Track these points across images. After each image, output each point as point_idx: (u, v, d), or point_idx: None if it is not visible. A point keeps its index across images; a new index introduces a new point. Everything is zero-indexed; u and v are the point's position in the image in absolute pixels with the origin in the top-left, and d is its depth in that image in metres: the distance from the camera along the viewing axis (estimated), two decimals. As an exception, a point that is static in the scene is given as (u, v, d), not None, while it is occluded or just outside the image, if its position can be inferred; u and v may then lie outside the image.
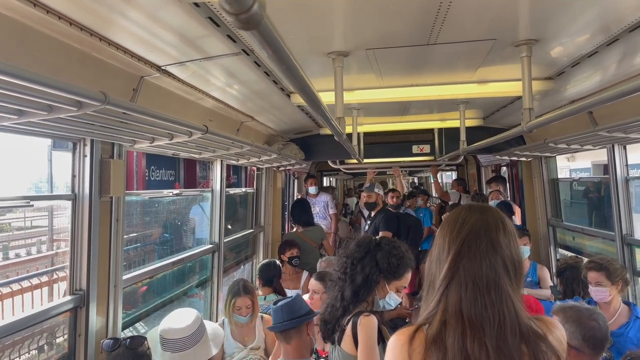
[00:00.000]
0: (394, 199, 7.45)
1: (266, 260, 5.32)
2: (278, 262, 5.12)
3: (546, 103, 4.31)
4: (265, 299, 4.66)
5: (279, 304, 2.96)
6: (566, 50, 2.96)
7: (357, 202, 13.46)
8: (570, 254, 5.66)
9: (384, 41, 2.74)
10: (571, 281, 4.00)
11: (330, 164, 8.58)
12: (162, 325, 3.12)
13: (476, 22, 2.48)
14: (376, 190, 6.82)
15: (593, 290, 3.51)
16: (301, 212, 7.05)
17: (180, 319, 3.15)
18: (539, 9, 2.35)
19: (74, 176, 2.83)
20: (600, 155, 4.99)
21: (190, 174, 10.12)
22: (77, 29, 2.12)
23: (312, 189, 8.29)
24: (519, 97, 4.21)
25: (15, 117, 1.93)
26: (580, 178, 6.44)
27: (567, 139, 4.01)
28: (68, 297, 2.79)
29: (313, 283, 3.74)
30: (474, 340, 1.41)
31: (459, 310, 1.45)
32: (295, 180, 9.18)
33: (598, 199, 5.59)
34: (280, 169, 7.35)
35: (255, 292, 4.06)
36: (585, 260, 4.04)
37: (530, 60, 2.84)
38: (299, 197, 8.79)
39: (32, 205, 2.54)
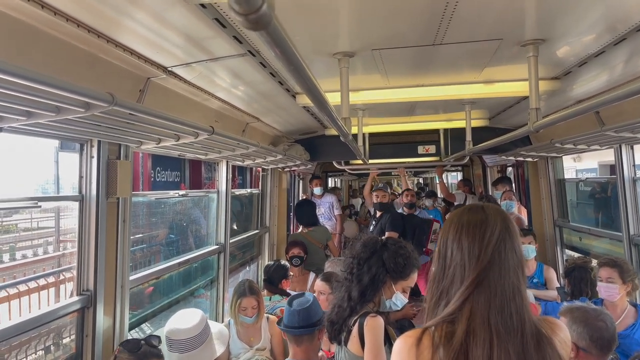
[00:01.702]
0: (409, 197, 7.49)
1: (271, 261, 5.33)
2: (285, 262, 5.11)
3: (553, 103, 4.29)
4: (270, 300, 4.67)
5: (296, 307, 2.95)
6: (573, 50, 2.95)
7: (362, 203, 13.43)
8: (576, 254, 5.64)
9: (389, 41, 2.74)
10: (579, 281, 3.99)
11: (335, 165, 8.58)
12: (168, 326, 3.13)
13: (482, 22, 2.47)
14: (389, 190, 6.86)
15: (603, 286, 3.49)
16: (305, 212, 7.06)
17: (186, 319, 3.15)
18: (545, 9, 2.34)
19: (81, 177, 2.84)
20: (607, 156, 4.97)
21: (196, 175, 10.13)
22: (85, 31, 2.13)
23: (317, 190, 8.29)
24: (525, 97, 4.19)
25: (24, 118, 1.94)
26: (587, 178, 6.40)
27: (574, 139, 4.00)
28: (75, 298, 2.80)
29: (319, 284, 3.75)
30: (500, 349, 1.42)
31: (487, 319, 1.45)
32: (300, 181, 9.19)
33: (605, 200, 5.56)
34: (285, 169, 7.36)
35: (261, 293, 4.06)
36: (594, 260, 4.02)
37: (537, 60, 2.83)
38: (304, 197, 8.80)
39: (40, 206, 2.55)
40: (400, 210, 7.80)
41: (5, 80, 1.50)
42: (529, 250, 4.97)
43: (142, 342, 2.80)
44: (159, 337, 2.95)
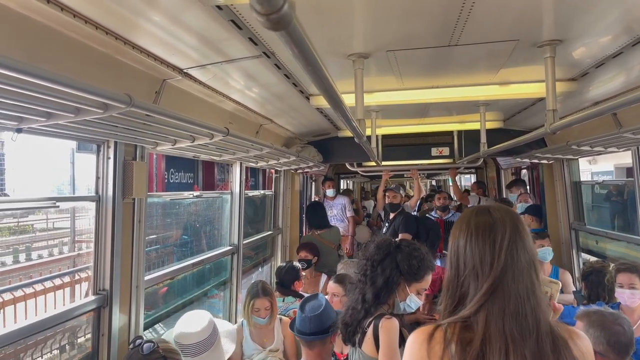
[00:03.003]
0: (441, 200, 7.48)
1: (284, 263, 5.33)
2: (297, 264, 5.11)
3: (569, 105, 4.25)
4: (283, 301, 4.67)
5: (308, 313, 2.95)
6: (590, 51, 2.92)
7: (375, 205, 13.40)
8: (593, 258, 5.57)
9: (405, 42, 2.73)
10: (596, 285, 3.94)
11: (348, 167, 8.58)
12: (176, 330, 3.13)
13: (499, 23, 2.46)
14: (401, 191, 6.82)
15: (627, 293, 3.43)
16: (315, 214, 7.06)
17: (194, 323, 3.16)
18: (563, 9, 2.32)
19: (98, 178, 2.87)
20: (624, 158, 4.90)
21: (209, 176, 10.21)
22: (103, 33, 2.16)
23: (329, 192, 8.29)
24: (541, 99, 4.16)
25: (44, 119, 1.97)
26: (604, 181, 6.31)
27: (591, 141, 3.95)
28: (92, 297, 2.83)
29: (332, 286, 3.74)
30: (516, 355, 1.42)
31: (502, 327, 1.45)
32: (313, 183, 9.19)
33: (622, 203, 5.49)
34: (298, 171, 7.37)
35: (274, 294, 4.07)
36: (612, 264, 3.96)
37: (554, 61, 2.80)
38: (316, 199, 8.80)
39: (58, 206, 2.58)
40: (433, 214, 7.82)
41: (27, 81, 1.52)
42: (547, 253, 4.93)
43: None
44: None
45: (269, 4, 0.79)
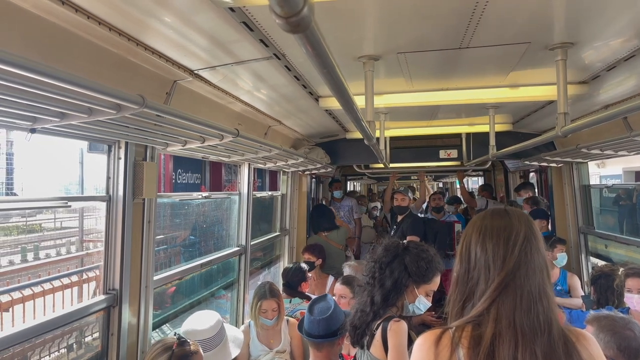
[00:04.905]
0: (436, 201, 7.48)
1: (291, 264, 5.34)
2: (304, 265, 5.11)
3: (579, 107, 4.22)
4: (290, 302, 4.67)
5: (317, 315, 2.95)
6: (602, 54, 2.90)
7: (382, 207, 13.38)
8: (601, 262, 5.53)
9: (415, 45, 2.73)
10: (605, 289, 3.91)
11: (356, 169, 8.57)
12: (185, 327, 3.17)
13: (510, 26, 2.45)
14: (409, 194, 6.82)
15: (636, 298, 3.41)
16: (322, 216, 7.06)
17: (202, 321, 3.20)
18: (575, 12, 2.32)
19: (108, 178, 2.89)
20: (633, 162, 4.88)
21: (216, 177, 10.23)
22: (116, 34, 2.17)
23: (337, 193, 8.30)
24: (551, 102, 4.14)
25: (57, 119, 1.98)
26: (613, 185, 6.27)
27: (601, 144, 3.92)
28: (102, 297, 2.84)
29: (340, 288, 3.74)
30: (525, 350, 1.42)
31: (513, 321, 1.46)
32: (320, 185, 9.19)
33: (631, 206, 5.45)
34: (305, 172, 7.38)
35: (281, 295, 4.07)
36: (621, 269, 3.94)
37: (566, 64, 2.79)
38: (323, 201, 8.81)
39: (70, 206, 2.60)
40: (427, 215, 7.81)
41: (41, 81, 1.54)
42: (565, 258, 4.96)
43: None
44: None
45: (289, 7, 0.79)
